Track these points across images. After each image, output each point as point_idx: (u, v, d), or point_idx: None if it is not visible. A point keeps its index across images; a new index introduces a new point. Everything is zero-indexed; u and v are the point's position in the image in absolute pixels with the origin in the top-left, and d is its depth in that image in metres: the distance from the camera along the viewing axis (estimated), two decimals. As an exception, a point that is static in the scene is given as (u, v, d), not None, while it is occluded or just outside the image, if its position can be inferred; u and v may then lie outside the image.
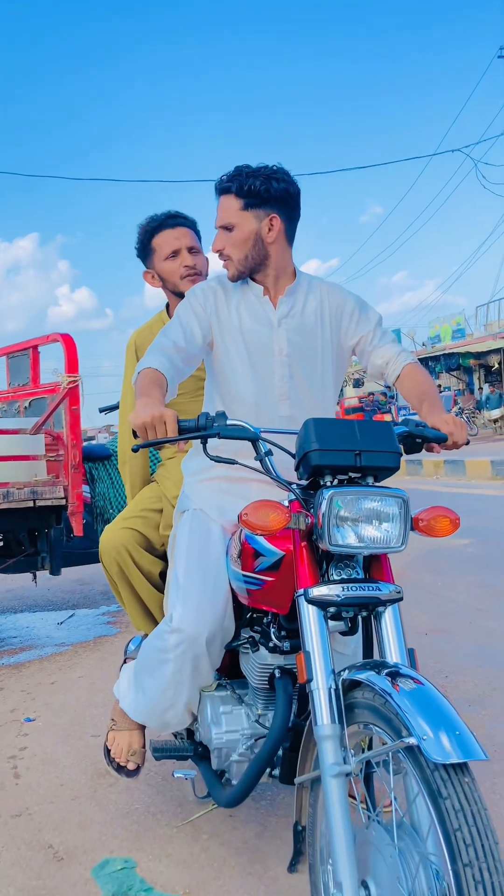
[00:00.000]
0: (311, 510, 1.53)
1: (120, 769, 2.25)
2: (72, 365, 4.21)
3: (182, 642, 1.84)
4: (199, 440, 1.68)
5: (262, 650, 1.82)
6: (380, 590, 1.51)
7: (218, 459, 1.67)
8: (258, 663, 1.83)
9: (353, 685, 1.43)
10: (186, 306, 2.07)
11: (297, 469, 1.59)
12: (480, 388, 27.21)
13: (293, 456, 1.62)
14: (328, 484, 1.53)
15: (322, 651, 1.47)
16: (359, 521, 1.49)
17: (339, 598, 1.48)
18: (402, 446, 1.66)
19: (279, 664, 1.80)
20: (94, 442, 7.08)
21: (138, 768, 2.25)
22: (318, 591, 1.49)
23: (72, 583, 6.16)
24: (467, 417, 22.88)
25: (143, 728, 2.21)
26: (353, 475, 1.55)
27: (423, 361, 33.70)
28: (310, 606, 1.50)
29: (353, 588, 1.50)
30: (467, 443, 1.85)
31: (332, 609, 1.50)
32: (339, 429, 1.54)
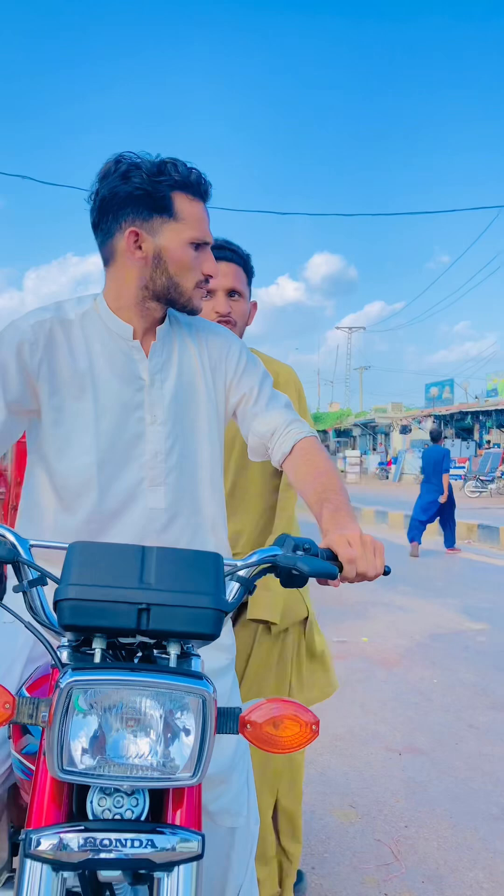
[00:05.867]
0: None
1: None
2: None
3: None
4: None
5: None
6: (153, 844, 0.89)
7: None
8: None
9: None
10: None
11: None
12: (534, 448, 26.03)
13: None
14: (72, 657, 0.93)
15: None
16: (115, 728, 0.88)
17: (77, 859, 0.87)
18: (244, 589, 1.05)
19: None
20: None
21: None
22: (50, 841, 0.88)
23: None
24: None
25: None
26: (145, 640, 0.94)
27: (474, 415, 32.65)
28: (33, 864, 0.88)
29: (118, 841, 0.88)
30: (386, 572, 1.21)
31: (70, 872, 0.89)
32: (118, 560, 0.93)
